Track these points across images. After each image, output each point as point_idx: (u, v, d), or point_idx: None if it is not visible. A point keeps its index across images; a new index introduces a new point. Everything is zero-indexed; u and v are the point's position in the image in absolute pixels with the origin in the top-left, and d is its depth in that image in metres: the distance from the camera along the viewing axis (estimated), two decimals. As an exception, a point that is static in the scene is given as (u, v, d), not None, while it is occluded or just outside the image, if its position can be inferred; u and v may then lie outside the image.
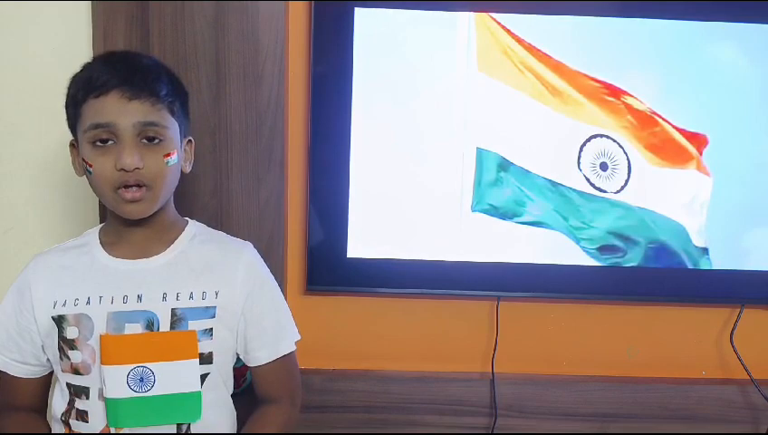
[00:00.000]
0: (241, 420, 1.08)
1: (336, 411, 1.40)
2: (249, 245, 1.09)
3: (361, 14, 1.29)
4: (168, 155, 0.97)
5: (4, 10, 1.29)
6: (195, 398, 0.98)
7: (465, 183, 1.34)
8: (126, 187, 0.95)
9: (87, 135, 0.95)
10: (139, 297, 0.97)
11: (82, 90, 0.96)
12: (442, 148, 1.34)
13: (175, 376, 0.97)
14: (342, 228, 1.35)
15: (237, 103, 1.29)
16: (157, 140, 0.96)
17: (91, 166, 0.95)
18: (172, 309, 0.97)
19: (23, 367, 1.02)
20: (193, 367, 0.97)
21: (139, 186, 0.95)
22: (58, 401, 1.01)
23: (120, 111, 0.94)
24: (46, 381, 1.05)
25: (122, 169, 0.93)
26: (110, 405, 0.96)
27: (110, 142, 0.94)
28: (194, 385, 0.98)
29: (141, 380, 0.96)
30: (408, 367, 1.44)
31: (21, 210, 1.35)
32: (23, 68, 1.31)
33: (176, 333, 0.97)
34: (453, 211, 1.35)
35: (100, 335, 0.95)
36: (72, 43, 1.28)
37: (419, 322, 1.44)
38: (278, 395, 1.08)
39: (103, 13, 1.25)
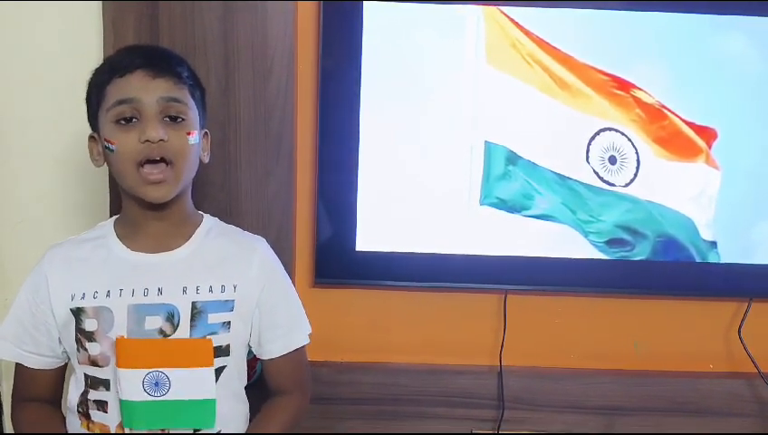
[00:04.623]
0: (252, 412, 1.08)
1: (345, 404, 1.41)
2: (262, 240, 1.09)
3: (370, 9, 1.29)
4: (190, 133, 0.98)
5: (14, 9, 1.29)
6: (209, 405, 0.99)
7: (474, 177, 1.34)
8: (150, 162, 0.95)
9: (111, 113, 0.95)
10: (160, 290, 0.98)
11: (107, 72, 0.98)
12: (450, 141, 1.34)
13: (189, 383, 0.97)
14: (351, 221, 1.36)
15: (246, 97, 1.29)
16: (179, 119, 0.97)
17: (113, 143, 0.95)
18: (192, 302, 0.97)
19: (38, 359, 1.03)
20: (208, 375, 0.98)
21: (163, 162, 0.95)
22: (73, 392, 1.02)
23: (145, 87, 0.95)
24: (61, 373, 1.06)
25: (147, 142, 0.94)
26: (125, 407, 0.97)
27: (133, 120, 0.95)
28: (208, 393, 0.98)
29: (156, 384, 0.96)
30: (416, 360, 1.45)
31: (32, 204, 1.36)
32: (34, 65, 1.31)
33: (191, 341, 0.97)
34: (461, 205, 1.35)
35: (116, 338, 0.95)
36: (82, 40, 1.29)
37: (428, 315, 1.45)
38: (290, 387, 1.09)
39: (113, 10, 1.26)
